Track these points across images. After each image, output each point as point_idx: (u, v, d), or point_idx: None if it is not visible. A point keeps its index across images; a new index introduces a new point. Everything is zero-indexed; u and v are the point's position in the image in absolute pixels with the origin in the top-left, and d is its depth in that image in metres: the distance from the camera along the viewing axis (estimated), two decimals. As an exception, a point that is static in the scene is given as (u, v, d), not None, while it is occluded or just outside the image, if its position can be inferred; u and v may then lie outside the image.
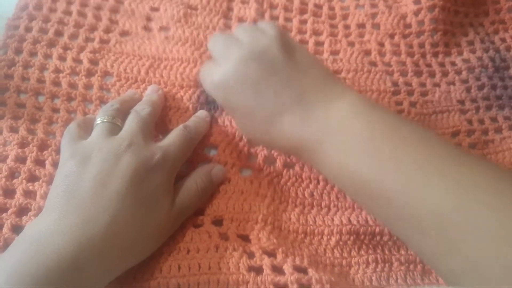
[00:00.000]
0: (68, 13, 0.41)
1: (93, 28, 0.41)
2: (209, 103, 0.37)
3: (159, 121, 0.35)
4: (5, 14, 0.41)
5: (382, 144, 0.26)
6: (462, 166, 0.24)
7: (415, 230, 0.24)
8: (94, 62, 0.39)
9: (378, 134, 0.26)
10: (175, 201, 0.30)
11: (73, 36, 0.40)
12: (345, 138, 0.27)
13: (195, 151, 0.34)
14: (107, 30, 0.41)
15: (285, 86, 0.29)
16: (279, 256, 0.29)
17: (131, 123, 0.31)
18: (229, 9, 0.44)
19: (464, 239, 0.22)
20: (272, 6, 0.45)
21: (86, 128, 0.32)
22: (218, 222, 0.31)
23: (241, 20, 0.44)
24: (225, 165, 0.34)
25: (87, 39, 0.40)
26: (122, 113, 0.32)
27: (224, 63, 0.30)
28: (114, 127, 0.31)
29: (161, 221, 0.28)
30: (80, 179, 0.27)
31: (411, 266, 0.32)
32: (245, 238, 0.31)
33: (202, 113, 0.35)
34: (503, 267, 0.21)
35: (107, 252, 0.25)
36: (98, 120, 0.31)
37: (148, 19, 0.42)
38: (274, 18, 0.44)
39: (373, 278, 0.31)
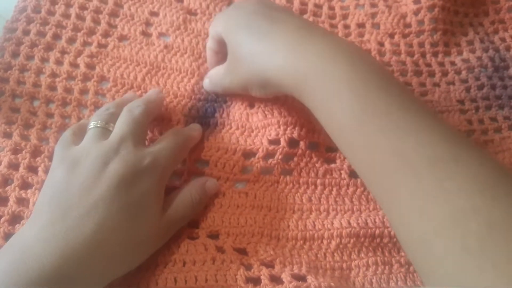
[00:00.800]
0: (66, 16, 0.41)
1: (91, 32, 0.41)
2: (200, 117, 0.37)
3: (150, 129, 0.35)
4: (4, 14, 0.40)
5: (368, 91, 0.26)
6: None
7: (403, 172, 0.24)
8: (91, 66, 0.39)
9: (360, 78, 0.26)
10: (167, 211, 0.29)
11: (71, 40, 0.40)
12: (326, 77, 0.27)
13: (187, 165, 0.34)
14: (105, 34, 0.41)
15: (281, 21, 0.31)
16: (277, 266, 0.29)
17: (122, 125, 0.30)
18: None
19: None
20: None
21: (81, 134, 0.31)
22: (214, 236, 0.31)
23: None
24: (218, 179, 0.34)
25: (85, 43, 0.40)
26: (117, 117, 0.31)
27: (228, 11, 0.34)
28: (106, 132, 0.30)
29: (150, 229, 0.28)
30: (67, 186, 0.26)
31: (411, 268, 0.32)
32: (242, 251, 0.31)
33: (194, 125, 0.35)
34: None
35: (93, 261, 0.25)
36: (91, 125, 0.31)
37: (147, 23, 0.42)
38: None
39: (374, 280, 0.31)
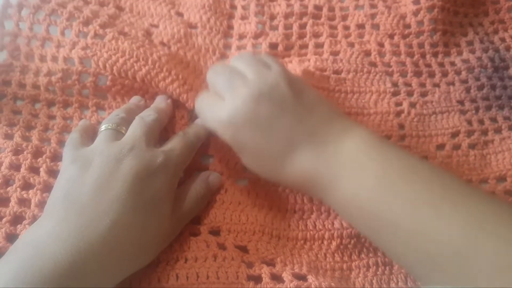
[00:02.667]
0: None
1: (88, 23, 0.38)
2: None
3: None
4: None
5: (396, 179, 0.26)
6: (475, 202, 0.25)
7: (430, 265, 0.24)
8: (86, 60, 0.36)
9: (391, 170, 0.26)
10: (175, 207, 0.30)
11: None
12: (359, 173, 0.27)
13: (192, 160, 0.34)
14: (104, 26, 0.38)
15: (295, 124, 0.28)
16: (278, 265, 0.29)
17: (135, 129, 0.31)
18: (229, 27, 0.44)
19: (482, 274, 0.22)
20: (272, 17, 0.45)
21: (89, 136, 0.32)
22: (215, 232, 0.32)
23: (242, 36, 0.43)
24: (221, 175, 0.34)
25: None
26: (127, 121, 0.32)
27: (232, 100, 0.29)
28: (118, 134, 0.31)
29: (162, 226, 0.28)
30: (80, 184, 0.27)
31: (412, 269, 0.32)
32: (243, 249, 0.31)
33: (199, 121, 0.35)
34: None
35: (107, 258, 0.25)
36: (103, 127, 0.31)
37: (148, 33, 0.41)
38: (274, 28, 0.44)
39: (374, 281, 0.31)
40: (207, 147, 0.35)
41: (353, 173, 0.27)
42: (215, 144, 0.35)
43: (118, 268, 0.26)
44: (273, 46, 0.43)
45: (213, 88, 0.32)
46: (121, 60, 0.35)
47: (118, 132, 0.31)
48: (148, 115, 0.32)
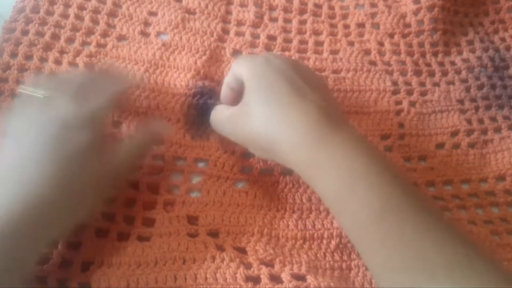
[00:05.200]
0: (65, 16, 0.41)
1: (90, 32, 0.40)
2: (199, 115, 0.36)
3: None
4: (4, 14, 0.40)
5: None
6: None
7: (422, 271, 0.24)
8: (90, 66, 0.38)
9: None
10: (110, 157, 0.29)
11: (70, 40, 0.40)
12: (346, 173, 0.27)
13: (187, 164, 0.34)
14: (104, 34, 0.40)
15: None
16: (277, 266, 0.29)
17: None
18: (228, 12, 0.44)
19: None
20: (272, 8, 0.45)
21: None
22: (213, 234, 0.31)
23: (240, 23, 0.43)
24: (218, 179, 0.34)
25: (84, 43, 0.40)
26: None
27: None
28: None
29: (93, 176, 0.28)
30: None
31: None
32: (242, 251, 0.31)
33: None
34: None
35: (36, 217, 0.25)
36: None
37: (146, 23, 0.42)
38: (273, 20, 0.44)
39: (373, 280, 0.31)
40: (203, 151, 0.35)
41: (336, 168, 0.27)
42: (211, 147, 0.35)
43: (53, 224, 0.26)
44: (271, 38, 0.43)
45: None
46: (122, 65, 0.39)
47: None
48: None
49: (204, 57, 0.39)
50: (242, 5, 0.44)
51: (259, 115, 0.30)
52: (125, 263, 0.29)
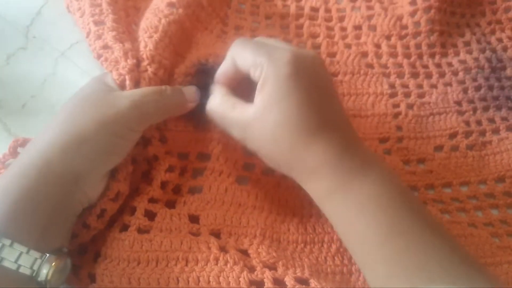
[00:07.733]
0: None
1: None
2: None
3: None
4: (4, 14, 0.40)
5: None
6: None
7: None
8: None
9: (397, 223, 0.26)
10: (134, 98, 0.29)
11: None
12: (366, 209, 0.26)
13: (190, 159, 0.34)
14: None
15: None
16: (280, 269, 0.28)
17: None
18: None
19: None
20: (267, 17, 0.44)
21: None
22: (215, 234, 0.31)
23: (238, 28, 0.43)
24: (220, 174, 0.34)
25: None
26: None
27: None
28: None
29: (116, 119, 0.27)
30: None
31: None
32: (244, 253, 0.30)
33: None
34: None
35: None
36: None
37: None
38: (270, 26, 0.44)
39: (374, 285, 0.31)
40: (204, 145, 0.34)
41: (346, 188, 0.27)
42: (213, 140, 0.34)
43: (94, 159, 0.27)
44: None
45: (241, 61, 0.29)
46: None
47: None
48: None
49: None
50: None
51: (276, 133, 0.27)
52: (124, 258, 0.28)
